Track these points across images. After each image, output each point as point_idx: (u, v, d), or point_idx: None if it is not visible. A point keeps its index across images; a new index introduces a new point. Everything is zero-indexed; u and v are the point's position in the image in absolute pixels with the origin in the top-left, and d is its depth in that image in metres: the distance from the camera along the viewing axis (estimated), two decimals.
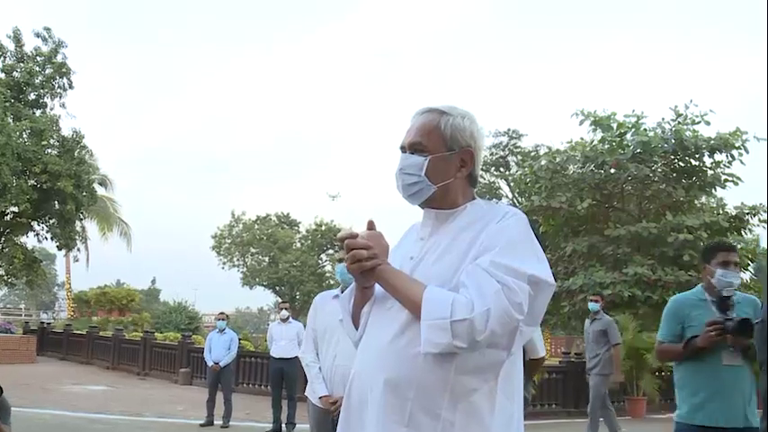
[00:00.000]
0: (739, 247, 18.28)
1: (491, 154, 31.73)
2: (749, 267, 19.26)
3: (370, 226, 1.89)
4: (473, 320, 1.60)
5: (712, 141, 17.76)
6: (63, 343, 22.72)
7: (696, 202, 19.04)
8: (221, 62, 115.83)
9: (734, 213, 18.19)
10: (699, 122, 18.13)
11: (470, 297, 1.63)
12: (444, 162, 1.87)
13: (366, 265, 1.77)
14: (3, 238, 22.53)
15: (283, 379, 10.24)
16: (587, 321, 9.30)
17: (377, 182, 73.78)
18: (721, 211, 18.58)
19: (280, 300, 21.78)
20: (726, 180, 18.27)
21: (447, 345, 1.61)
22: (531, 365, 4.61)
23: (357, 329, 1.95)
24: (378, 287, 1.86)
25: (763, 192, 18.67)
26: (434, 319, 1.63)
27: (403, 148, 1.93)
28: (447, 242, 1.83)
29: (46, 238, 22.85)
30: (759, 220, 17.75)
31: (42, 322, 31.57)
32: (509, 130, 32.17)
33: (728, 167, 18.21)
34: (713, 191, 18.94)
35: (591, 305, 9.51)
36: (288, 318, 10.53)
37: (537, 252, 1.76)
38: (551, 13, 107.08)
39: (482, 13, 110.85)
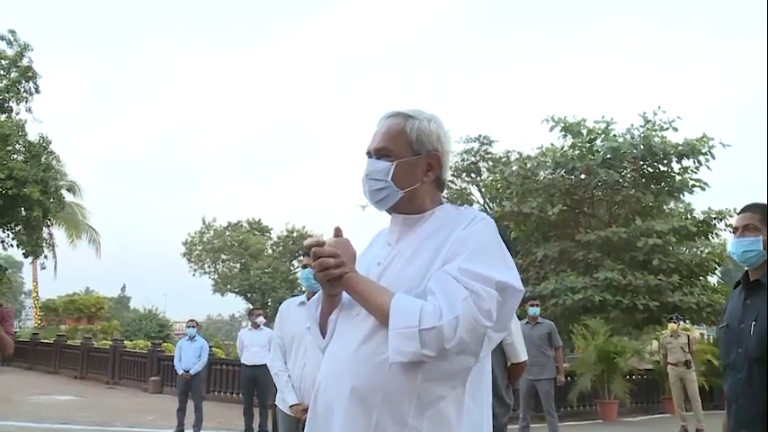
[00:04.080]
0: (706, 252, 18.60)
1: (462, 160, 31.74)
2: (716, 271, 19.57)
3: (337, 233, 1.85)
4: (441, 329, 1.57)
5: (680, 147, 18.03)
6: (29, 352, 22.25)
7: (665, 207, 19.28)
8: (190, 68, 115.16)
9: (701, 218, 18.45)
10: (667, 129, 18.42)
11: (438, 305, 1.61)
12: (411, 167, 1.84)
13: (333, 273, 1.73)
14: None
15: (255, 386, 10.13)
16: (526, 326, 9.12)
17: (349, 187, 73.82)
18: (689, 216, 18.84)
19: (251, 306, 21.58)
20: (693, 185, 18.55)
21: (415, 354, 1.59)
22: (513, 370, 4.55)
23: (324, 337, 1.91)
24: (345, 294, 1.83)
25: (728, 197, 18.98)
26: (402, 327, 1.60)
27: (369, 153, 1.89)
28: (414, 247, 1.80)
29: (12, 246, 22.43)
30: (725, 224, 18.01)
31: None
32: (480, 135, 32.21)
33: (696, 173, 18.51)
34: (681, 196, 19.20)
35: (532, 310, 9.50)
36: (261, 324, 10.44)
37: (505, 258, 1.74)
38: (522, 20, 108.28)
39: (453, 19, 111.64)
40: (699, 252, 18.71)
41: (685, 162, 18.45)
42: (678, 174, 18.74)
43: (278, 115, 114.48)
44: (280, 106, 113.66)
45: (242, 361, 10.34)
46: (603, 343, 13.17)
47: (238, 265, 42.30)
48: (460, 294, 1.60)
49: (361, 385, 1.67)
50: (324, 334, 1.91)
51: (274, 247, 44.01)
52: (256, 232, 44.47)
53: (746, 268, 2.91)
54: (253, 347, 10.11)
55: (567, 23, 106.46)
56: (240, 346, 10.41)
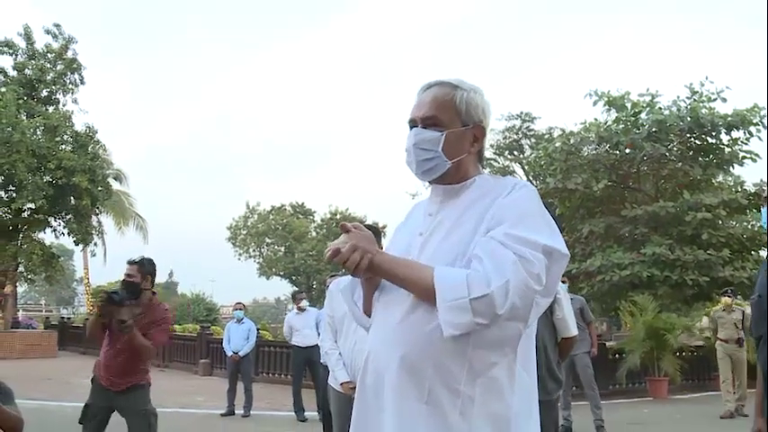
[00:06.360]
0: (758, 225, 18.12)
1: (504, 137, 31.43)
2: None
3: (344, 228, 1.78)
4: (492, 295, 1.55)
5: (729, 118, 17.52)
6: (83, 337, 22.81)
7: (713, 180, 18.83)
8: (235, 59, 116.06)
9: (753, 191, 17.97)
10: (715, 99, 17.92)
11: (485, 271, 1.59)
12: (459, 137, 1.83)
13: (363, 264, 1.69)
14: (20, 235, 22.67)
15: (310, 367, 9.92)
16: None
17: (390, 170, 73.93)
18: (740, 189, 18.36)
19: (296, 289, 21.80)
20: (744, 157, 18.05)
21: (468, 324, 1.57)
22: (564, 345, 4.51)
23: (369, 318, 1.90)
24: None
25: None
26: (452, 300, 1.58)
27: (414, 122, 1.86)
28: (456, 216, 1.78)
29: (63, 234, 22.95)
30: None
31: (63, 317, 31.89)
32: (522, 113, 31.83)
33: (746, 144, 17.99)
34: (731, 168, 18.71)
35: (561, 286, 9.47)
36: (306, 307, 10.49)
37: (549, 223, 1.72)
38: None
39: None
40: (750, 226, 18.24)
41: (735, 133, 17.96)
42: (727, 145, 18.25)
43: (320, 106, 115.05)
44: (322, 97, 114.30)
45: (293, 343, 10.32)
46: (652, 319, 12.92)
47: (283, 249, 42.70)
48: (509, 259, 1.58)
49: (410, 354, 1.66)
50: (369, 314, 1.90)
51: (318, 230, 44.27)
52: (300, 215, 44.80)
53: None
54: (304, 330, 10.09)
55: None
56: (289, 330, 10.38)
